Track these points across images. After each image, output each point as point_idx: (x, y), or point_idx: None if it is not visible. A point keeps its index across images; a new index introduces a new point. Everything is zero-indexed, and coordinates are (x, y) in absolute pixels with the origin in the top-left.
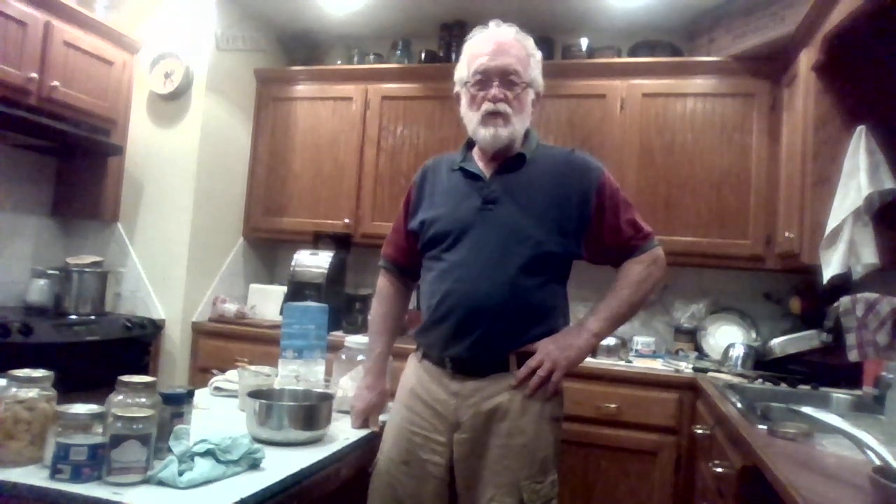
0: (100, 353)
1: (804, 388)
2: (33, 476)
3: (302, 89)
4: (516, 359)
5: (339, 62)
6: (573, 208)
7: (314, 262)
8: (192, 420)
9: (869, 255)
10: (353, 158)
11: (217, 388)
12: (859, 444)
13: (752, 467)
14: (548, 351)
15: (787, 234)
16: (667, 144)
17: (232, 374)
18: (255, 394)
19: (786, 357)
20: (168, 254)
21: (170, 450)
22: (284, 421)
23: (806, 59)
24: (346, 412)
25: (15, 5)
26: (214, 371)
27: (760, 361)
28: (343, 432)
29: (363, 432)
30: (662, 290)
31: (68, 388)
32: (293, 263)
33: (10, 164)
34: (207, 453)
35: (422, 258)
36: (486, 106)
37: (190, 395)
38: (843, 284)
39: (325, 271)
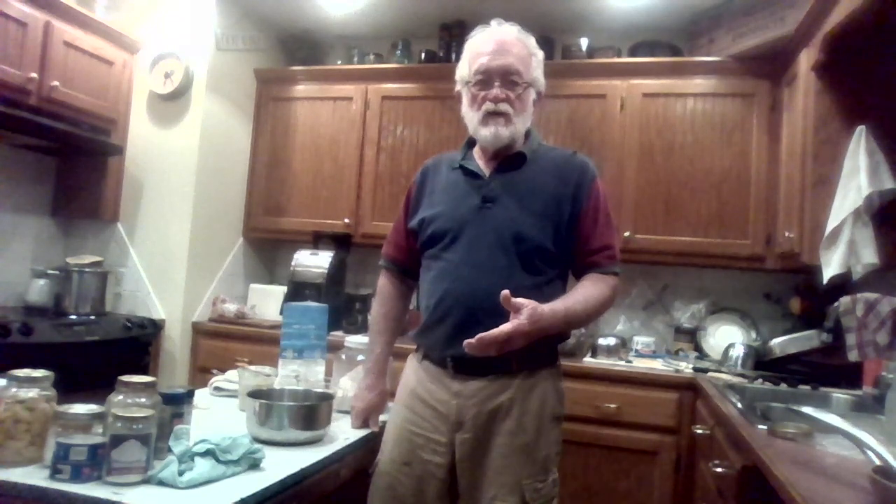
0: (100, 353)
1: (804, 388)
2: (33, 476)
3: (302, 89)
4: (516, 358)
5: (339, 62)
6: (568, 206)
7: (314, 262)
8: (192, 420)
9: (869, 255)
10: (353, 158)
11: (217, 388)
12: (859, 444)
13: (752, 467)
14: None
15: (787, 234)
16: (667, 144)
17: (232, 374)
18: (255, 394)
19: (786, 357)
20: (168, 254)
21: (170, 450)
22: (284, 421)
23: (806, 59)
24: (346, 412)
25: (15, 5)
26: (214, 371)
27: (760, 361)
28: (343, 432)
29: (363, 432)
30: (662, 289)
31: (68, 388)
32: (293, 263)
33: (10, 164)
34: (207, 453)
35: (421, 257)
36: (487, 106)
37: (190, 395)
38: (843, 284)
39: (325, 271)
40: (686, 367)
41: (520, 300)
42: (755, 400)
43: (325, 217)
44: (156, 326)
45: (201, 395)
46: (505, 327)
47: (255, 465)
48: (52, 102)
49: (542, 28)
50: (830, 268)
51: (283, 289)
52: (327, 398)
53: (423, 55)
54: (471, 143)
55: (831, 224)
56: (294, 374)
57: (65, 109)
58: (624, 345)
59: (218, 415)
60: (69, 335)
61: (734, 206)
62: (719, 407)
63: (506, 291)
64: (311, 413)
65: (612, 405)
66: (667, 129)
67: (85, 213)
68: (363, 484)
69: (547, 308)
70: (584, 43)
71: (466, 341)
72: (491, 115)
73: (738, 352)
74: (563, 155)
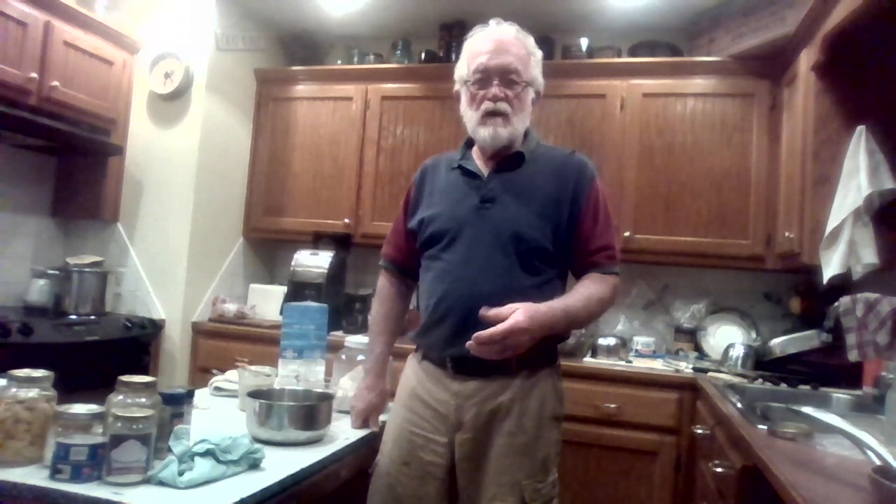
0: (100, 353)
1: (804, 388)
2: (33, 476)
3: (302, 89)
4: (516, 358)
5: (339, 62)
6: (567, 206)
7: (314, 262)
8: (192, 420)
9: (869, 255)
10: (353, 158)
11: (217, 388)
12: (859, 444)
13: (752, 467)
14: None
15: (787, 234)
16: (667, 144)
17: (232, 374)
18: (255, 394)
19: (786, 357)
20: (168, 254)
21: (170, 450)
22: (284, 421)
23: (806, 59)
24: (346, 412)
25: (15, 5)
26: (214, 371)
27: (760, 361)
28: (343, 432)
29: (363, 432)
30: (662, 289)
31: (68, 388)
32: (293, 263)
33: (10, 164)
34: (207, 453)
35: (421, 257)
36: (486, 105)
37: (190, 395)
38: (843, 284)
39: (325, 271)
40: (686, 367)
41: (499, 309)
42: (755, 400)
43: (325, 217)
44: (156, 326)
45: (201, 395)
46: (501, 326)
47: (255, 465)
48: (52, 102)
49: (542, 28)
50: (830, 268)
51: (283, 289)
52: (327, 398)
53: (423, 55)
54: (469, 143)
55: (831, 224)
56: (294, 374)
57: (65, 109)
58: (624, 345)
59: (218, 415)
60: (69, 335)
61: (734, 206)
62: (719, 407)
63: (483, 310)
64: (311, 413)
65: (612, 405)
66: (667, 129)
67: (85, 213)
68: (363, 484)
69: (543, 304)
70: (584, 43)
71: (469, 343)
72: (489, 115)
73: (738, 352)
74: (562, 154)
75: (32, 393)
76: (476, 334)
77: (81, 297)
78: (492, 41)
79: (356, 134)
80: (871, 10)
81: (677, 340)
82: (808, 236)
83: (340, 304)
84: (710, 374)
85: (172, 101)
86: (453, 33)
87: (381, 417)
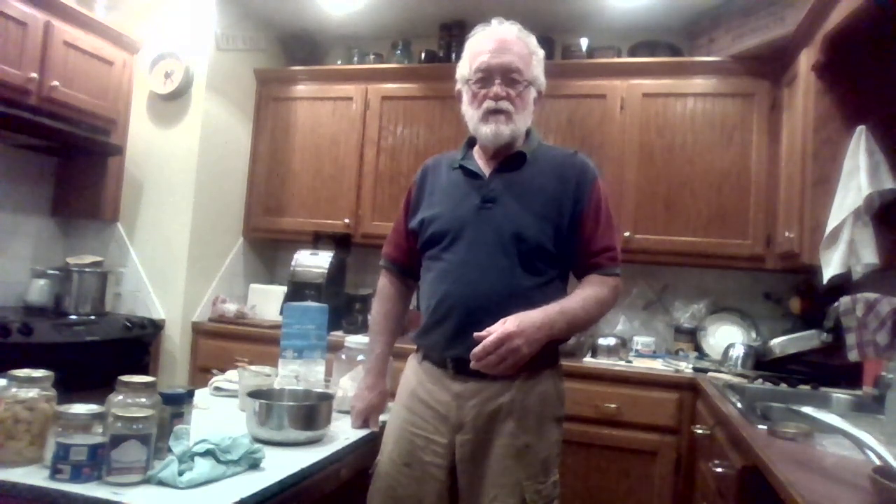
0: (100, 353)
1: (804, 388)
2: (33, 476)
3: (302, 89)
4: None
5: (339, 62)
6: (569, 207)
7: (314, 262)
8: (192, 420)
9: (869, 255)
10: (353, 158)
11: (217, 388)
12: (859, 444)
13: (752, 467)
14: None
15: (787, 234)
16: (667, 144)
17: (232, 374)
18: (255, 394)
19: (786, 357)
20: (168, 254)
21: (170, 450)
22: (284, 421)
23: (806, 59)
24: (346, 412)
25: (15, 5)
26: (214, 371)
27: (760, 361)
28: (343, 432)
29: (363, 432)
30: (662, 289)
31: (68, 388)
32: (293, 263)
33: (10, 164)
34: (207, 453)
35: (421, 258)
36: (488, 104)
37: (190, 395)
38: (843, 284)
39: (325, 271)
40: (686, 367)
41: (489, 328)
42: (755, 400)
43: (325, 217)
44: (156, 326)
45: (201, 395)
46: (492, 336)
47: (255, 465)
48: (52, 102)
49: (542, 28)
50: (830, 268)
51: (283, 289)
52: (327, 398)
53: (423, 55)
54: (471, 142)
55: (831, 224)
56: (294, 374)
57: (65, 109)
58: (624, 345)
59: (218, 415)
60: (69, 335)
61: (734, 206)
62: (719, 407)
63: (475, 334)
64: (311, 413)
65: (612, 405)
66: (667, 129)
67: (85, 213)
68: (363, 484)
69: (535, 309)
70: (584, 43)
71: (473, 364)
72: (492, 113)
73: (738, 352)
74: (564, 154)
75: (32, 393)
76: (472, 352)
77: (81, 297)
78: (494, 40)
79: (356, 134)
80: (871, 11)
81: (677, 340)
82: (808, 236)
83: (340, 304)
84: (710, 374)
85: (172, 101)
86: (453, 33)
87: (382, 417)
